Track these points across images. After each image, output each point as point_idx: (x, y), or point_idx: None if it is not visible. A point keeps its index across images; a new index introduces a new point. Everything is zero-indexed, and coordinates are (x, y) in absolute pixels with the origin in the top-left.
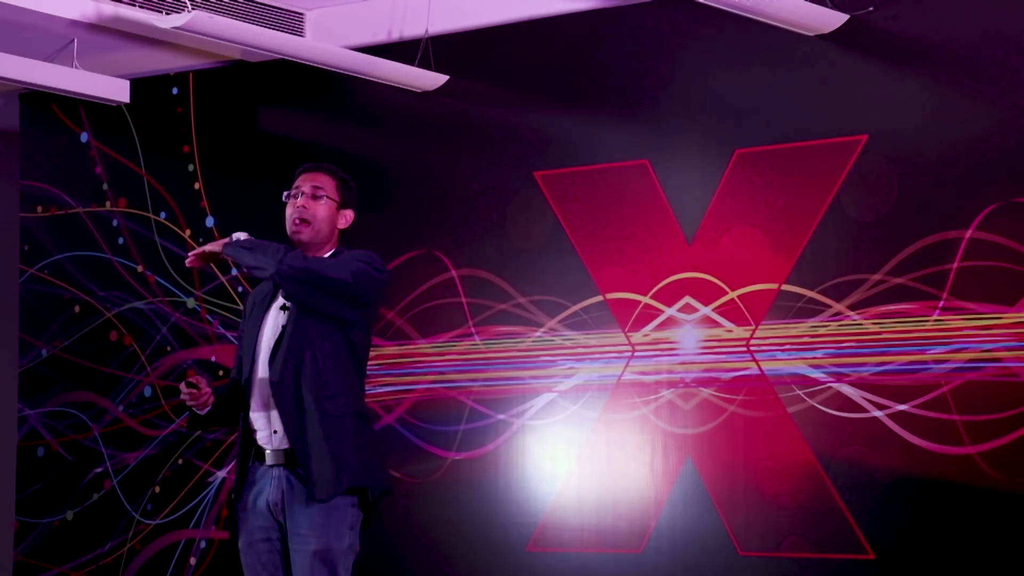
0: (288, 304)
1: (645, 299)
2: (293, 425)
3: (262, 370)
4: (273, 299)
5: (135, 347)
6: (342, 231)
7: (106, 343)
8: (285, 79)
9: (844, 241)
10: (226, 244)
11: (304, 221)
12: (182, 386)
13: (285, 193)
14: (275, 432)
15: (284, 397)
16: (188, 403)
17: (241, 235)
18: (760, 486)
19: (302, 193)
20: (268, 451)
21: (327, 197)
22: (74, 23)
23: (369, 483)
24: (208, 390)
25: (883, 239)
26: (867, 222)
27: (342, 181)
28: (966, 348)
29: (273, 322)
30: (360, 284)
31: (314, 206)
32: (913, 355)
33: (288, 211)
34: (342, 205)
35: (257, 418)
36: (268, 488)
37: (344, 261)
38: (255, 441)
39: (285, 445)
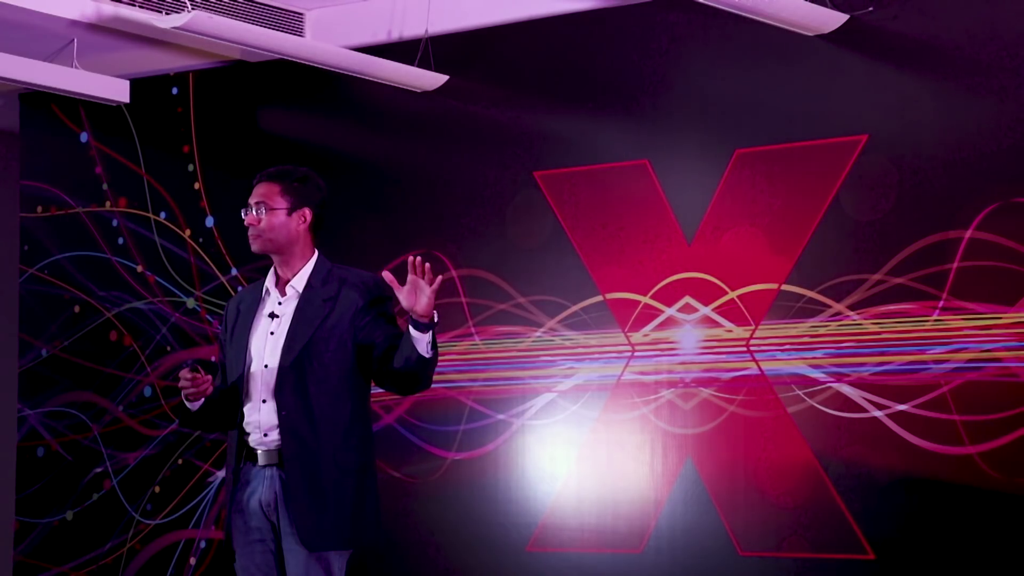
0: (278, 313)
1: (645, 299)
2: (297, 456)
3: (257, 375)
4: (260, 305)
5: (135, 347)
6: (315, 230)
7: (106, 343)
8: (285, 79)
9: (844, 241)
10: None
11: (255, 235)
12: (185, 371)
13: (243, 210)
14: (266, 435)
15: (290, 430)
16: (186, 390)
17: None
18: (760, 486)
19: (250, 208)
20: (260, 452)
21: (269, 208)
22: (74, 23)
23: (360, 543)
24: (208, 377)
25: (883, 239)
26: (867, 222)
27: (290, 183)
28: (966, 348)
29: (264, 329)
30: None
31: (257, 221)
32: (913, 355)
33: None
34: (295, 207)
35: (250, 421)
36: (261, 488)
37: (393, 323)
38: (247, 443)
39: (276, 445)
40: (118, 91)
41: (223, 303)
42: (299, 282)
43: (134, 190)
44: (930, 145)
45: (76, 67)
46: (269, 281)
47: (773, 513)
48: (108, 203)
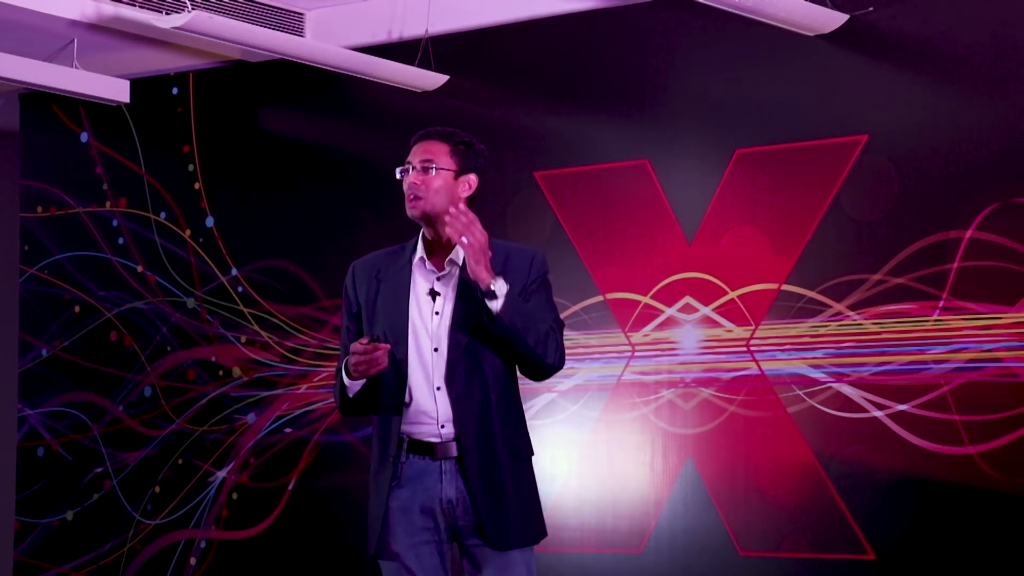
0: (439, 290)
1: (645, 299)
2: (483, 458)
3: (428, 360)
4: (410, 278)
5: (135, 347)
6: (471, 201)
7: (106, 343)
8: (285, 79)
9: (844, 241)
10: (498, 293)
11: (416, 197)
12: (360, 343)
13: (399, 169)
14: (443, 427)
15: (468, 422)
16: (358, 366)
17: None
18: (760, 486)
19: (412, 168)
20: (436, 444)
21: (437, 168)
22: (74, 23)
23: (543, 536)
24: (387, 347)
25: (883, 239)
26: (867, 222)
27: (458, 145)
28: (966, 348)
29: (426, 307)
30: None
31: (424, 180)
32: (913, 355)
33: (404, 188)
34: (461, 172)
35: (423, 410)
36: (439, 485)
37: (553, 308)
38: (411, 433)
39: (452, 436)
40: (118, 91)
41: (223, 303)
42: (459, 255)
43: (134, 190)
44: (930, 145)
45: (76, 67)
46: (419, 252)
47: (773, 513)
48: (108, 203)
